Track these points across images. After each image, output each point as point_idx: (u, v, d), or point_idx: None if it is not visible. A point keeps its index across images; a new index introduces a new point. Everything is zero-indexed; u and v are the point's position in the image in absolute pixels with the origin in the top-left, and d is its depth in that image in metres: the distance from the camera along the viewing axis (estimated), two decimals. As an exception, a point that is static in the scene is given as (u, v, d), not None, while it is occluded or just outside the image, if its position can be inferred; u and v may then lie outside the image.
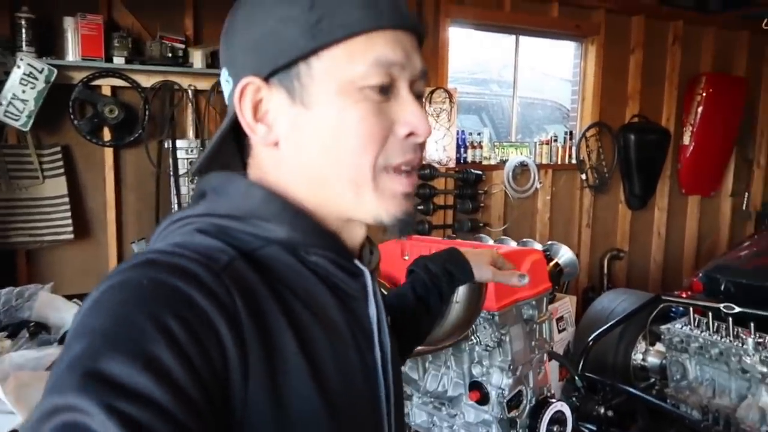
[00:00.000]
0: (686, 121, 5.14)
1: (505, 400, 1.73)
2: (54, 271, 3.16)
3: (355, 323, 0.66)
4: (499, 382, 1.75)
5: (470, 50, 4.86)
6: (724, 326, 2.88)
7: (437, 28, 3.94)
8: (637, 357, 3.42)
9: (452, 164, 4.08)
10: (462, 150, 4.21)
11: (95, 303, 0.51)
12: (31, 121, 2.84)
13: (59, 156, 3.07)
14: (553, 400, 1.78)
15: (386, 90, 0.62)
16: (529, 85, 5.07)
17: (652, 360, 3.37)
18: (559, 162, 4.64)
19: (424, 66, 0.66)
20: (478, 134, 4.37)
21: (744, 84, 5.25)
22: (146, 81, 3.20)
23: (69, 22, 2.94)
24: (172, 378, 0.46)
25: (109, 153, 3.21)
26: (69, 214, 3.09)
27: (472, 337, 1.74)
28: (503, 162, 4.37)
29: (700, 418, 2.86)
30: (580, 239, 4.82)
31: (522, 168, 4.42)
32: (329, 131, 0.62)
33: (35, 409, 0.44)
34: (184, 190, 3.37)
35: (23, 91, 2.77)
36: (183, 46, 3.25)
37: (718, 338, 2.85)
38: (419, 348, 1.20)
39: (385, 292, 0.96)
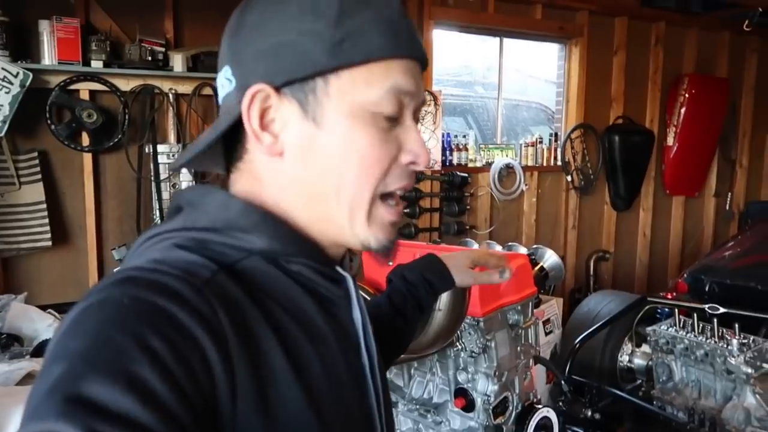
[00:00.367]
0: (670, 122, 5.17)
1: (490, 407, 1.71)
2: (32, 279, 3.09)
3: (340, 330, 0.66)
4: (484, 388, 1.73)
5: (455, 52, 4.85)
6: (709, 327, 2.88)
7: (421, 30, 3.92)
8: (623, 359, 3.42)
9: (438, 167, 4.07)
10: (447, 152, 4.20)
11: (74, 323, 0.49)
12: (6, 127, 2.77)
13: (36, 162, 3.01)
14: (540, 406, 1.77)
15: (395, 118, 0.63)
16: (514, 87, 5.06)
17: (639, 362, 3.37)
18: (545, 164, 4.64)
19: (425, 95, 0.67)
20: (464, 136, 4.36)
21: (726, 85, 5.29)
22: (125, 85, 3.14)
23: (44, 26, 2.88)
24: (157, 399, 0.44)
25: (87, 158, 3.15)
26: (47, 220, 3.02)
27: (458, 344, 1.72)
28: (489, 164, 4.36)
29: (686, 419, 2.87)
30: (566, 241, 4.82)
31: (508, 170, 4.41)
32: (336, 152, 0.62)
33: None
34: (165, 195, 3.32)
35: (-3, 96, 2.71)
36: (163, 49, 3.19)
37: (704, 339, 2.85)
38: (403, 356, 1.17)
39: (368, 298, 0.94)
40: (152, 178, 3.28)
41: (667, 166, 5.23)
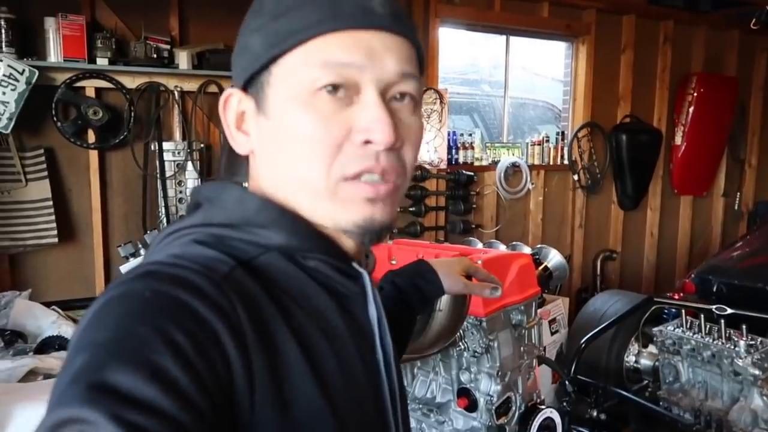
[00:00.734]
0: (678, 121, 5.13)
1: (493, 407, 1.70)
2: (38, 275, 3.11)
3: (355, 326, 0.66)
4: (487, 388, 1.72)
5: (461, 50, 4.83)
6: (716, 328, 2.86)
7: (427, 28, 3.91)
8: (629, 359, 3.40)
9: (444, 165, 4.05)
10: (453, 151, 4.18)
11: (97, 316, 0.50)
12: (12, 124, 2.78)
13: (42, 159, 3.02)
14: (543, 407, 1.76)
15: (341, 93, 0.59)
16: (521, 86, 5.04)
17: (645, 362, 3.35)
18: (551, 163, 4.61)
19: (405, 67, 0.62)
20: (470, 135, 4.34)
21: (735, 83, 5.25)
22: (131, 82, 3.15)
23: (50, 23, 2.89)
24: (178, 388, 0.45)
25: (93, 155, 3.16)
26: (53, 217, 3.03)
27: (460, 343, 1.71)
28: (495, 163, 4.34)
29: (693, 420, 2.84)
30: (572, 240, 4.80)
31: (514, 169, 4.39)
32: (284, 138, 0.61)
33: (39, 426, 0.43)
34: (171, 192, 3.33)
35: (3, 93, 2.72)
36: (168, 46, 3.20)
37: (711, 340, 2.83)
38: (405, 356, 1.17)
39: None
40: (158, 175, 3.29)
41: (675, 166, 5.20)
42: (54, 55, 2.91)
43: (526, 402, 1.76)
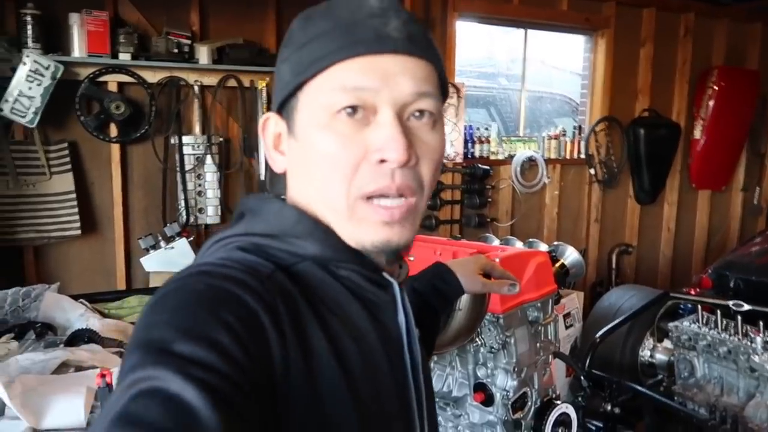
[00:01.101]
0: (697, 115, 5.07)
1: (509, 402, 1.73)
2: (61, 267, 3.18)
3: (385, 333, 0.69)
4: (503, 383, 1.74)
5: (478, 44, 4.81)
6: (732, 324, 2.85)
7: (445, 22, 3.91)
8: (644, 354, 3.40)
9: (460, 159, 4.06)
10: (469, 145, 4.19)
11: (158, 303, 0.56)
12: (38, 118, 2.84)
13: (66, 152, 3.08)
14: (558, 402, 1.78)
15: (359, 115, 0.63)
16: (538, 79, 5.02)
17: (660, 357, 3.35)
18: (568, 157, 4.60)
19: (421, 86, 0.65)
20: (486, 129, 4.34)
21: (757, 77, 5.17)
22: (152, 77, 3.20)
23: (74, 19, 2.94)
24: (232, 355, 0.51)
25: (115, 149, 3.22)
26: (76, 210, 3.10)
27: (477, 339, 1.73)
28: (511, 157, 4.34)
29: (708, 416, 2.84)
30: (588, 234, 4.79)
31: (530, 163, 4.39)
32: (309, 159, 0.66)
33: (116, 387, 0.50)
34: (190, 186, 3.38)
35: (29, 88, 2.77)
36: (189, 41, 3.24)
37: (727, 336, 2.82)
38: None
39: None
40: (178, 169, 3.34)
41: (694, 160, 5.15)
42: (78, 50, 2.96)
43: (541, 397, 1.78)
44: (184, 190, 3.35)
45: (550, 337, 1.84)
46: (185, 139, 3.33)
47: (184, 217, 3.35)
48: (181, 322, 0.53)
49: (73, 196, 3.10)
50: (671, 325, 3.09)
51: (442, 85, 0.70)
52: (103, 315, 1.99)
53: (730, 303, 2.95)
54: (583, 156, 4.64)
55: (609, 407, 2.87)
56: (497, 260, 1.48)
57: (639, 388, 3.02)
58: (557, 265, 1.94)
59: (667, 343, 3.31)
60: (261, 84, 3.41)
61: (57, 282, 2.07)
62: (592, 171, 4.68)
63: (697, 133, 5.08)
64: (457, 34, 4.00)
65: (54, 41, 2.98)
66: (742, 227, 5.59)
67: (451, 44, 3.94)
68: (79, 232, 3.12)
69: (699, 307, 3.05)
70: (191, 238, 3.23)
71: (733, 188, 5.55)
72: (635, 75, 4.79)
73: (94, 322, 1.77)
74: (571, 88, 5.06)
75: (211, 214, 3.44)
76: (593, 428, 2.87)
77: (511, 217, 4.39)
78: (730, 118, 5.05)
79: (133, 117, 3.15)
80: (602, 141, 4.69)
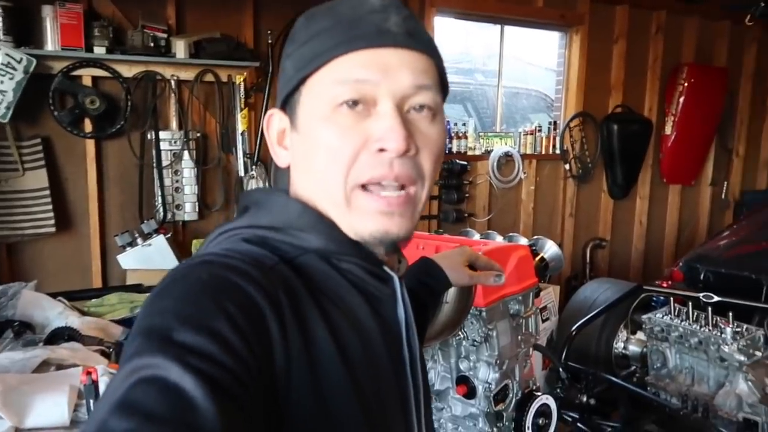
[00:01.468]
0: (668, 110, 5.18)
1: (491, 394, 1.76)
2: (35, 265, 3.12)
3: (385, 326, 0.71)
4: (485, 376, 1.77)
5: (455, 39, 4.84)
6: (703, 315, 2.93)
7: (422, 18, 3.92)
8: (618, 346, 3.48)
9: (437, 155, 4.08)
10: (447, 140, 4.22)
11: (161, 292, 0.57)
12: (10, 113, 2.78)
13: (39, 148, 3.02)
14: (539, 393, 1.82)
15: (360, 107, 0.65)
16: (514, 75, 5.07)
17: (633, 348, 3.43)
18: (543, 152, 4.66)
19: (420, 79, 0.66)
20: (463, 124, 4.38)
21: (725, 74, 5.30)
22: (128, 71, 3.15)
23: (47, 11, 2.88)
24: (232, 346, 0.52)
25: (90, 144, 3.16)
26: (50, 207, 3.04)
27: (460, 332, 1.76)
28: (488, 152, 4.39)
29: (680, 405, 2.93)
30: (563, 229, 4.86)
31: (506, 158, 4.44)
32: (310, 150, 0.68)
33: (116, 376, 0.50)
34: (167, 182, 3.34)
35: (1, 82, 2.71)
36: (165, 35, 3.19)
37: (698, 327, 2.91)
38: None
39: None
40: (154, 164, 3.30)
41: (665, 155, 5.26)
42: (51, 43, 2.90)
43: (522, 389, 1.82)
44: (161, 186, 3.31)
45: (530, 330, 1.88)
46: (162, 134, 3.29)
47: (161, 213, 3.32)
48: (184, 311, 0.54)
49: (47, 192, 3.04)
50: (644, 317, 3.17)
51: (442, 80, 0.71)
52: (83, 313, 1.96)
53: (701, 295, 3.04)
54: (558, 151, 4.71)
55: (585, 398, 2.93)
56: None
57: (614, 379, 3.09)
58: (537, 258, 1.97)
59: (640, 335, 3.39)
60: (239, 79, 3.38)
61: (35, 280, 2.04)
62: (567, 166, 4.76)
63: (668, 129, 5.20)
64: (434, 30, 4.01)
65: (26, 34, 2.91)
66: (711, 221, 5.74)
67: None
68: (53, 229, 3.07)
69: (671, 299, 3.14)
70: (169, 235, 3.19)
71: (702, 183, 5.69)
72: (609, 71, 4.87)
73: (73, 320, 1.75)
74: (546, 84, 5.13)
75: (188, 211, 3.41)
76: (569, 419, 2.93)
77: (488, 212, 4.44)
78: (700, 114, 5.17)
79: (108, 112, 3.09)
80: (577, 136, 4.77)
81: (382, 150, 0.64)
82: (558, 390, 2.35)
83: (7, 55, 2.71)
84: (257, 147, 3.48)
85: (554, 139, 4.70)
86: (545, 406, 1.80)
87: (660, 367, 3.13)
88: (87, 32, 2.97)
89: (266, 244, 0.66)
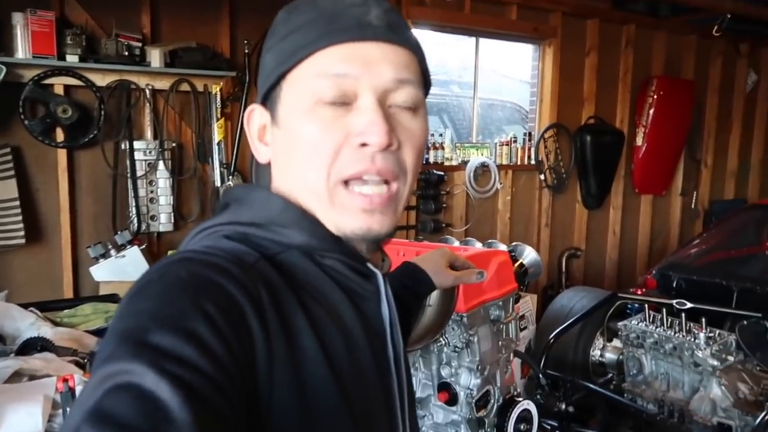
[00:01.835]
0: (639, 122, 5.30)
1: (473, 401, 1.76)
2: (4, 277, 3.03)
3: (368, 323, 0.69)
4: (467, 382, 1.77)
5: (431, 51, 4.88)
6: (677, 322, 2.98)
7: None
8: (595, 353, 3.51)
9: (414, 165, 4.09)
10: (424, 151, 4.23)
11: (139, 291, 0.55)
12: (-21, 122, 2.72)
13: (9, 158, 2.95)
14: (520, 399, 1.82)
15: (341, 101, 0.64)
16: (489, 87, 5.14)
17: (610, 356, 3.47)
18: (519, 163, 4.72)
19: (402, 73, 0.65)
20: (440, 135, 4.41)
21: (692, 87, 5.45)
22: (101, 80, 3.10)
23: (18, 18, 2.83)
24: (210, 349, 0.50)
25: (62, 154, 3.10)
26: (20, 218, 2.97)
27: (441, 339, 1.76)
28: (464, 163, 4.42)
29: (656, 411, 2.96)
30: (539, 238, 4.91)
31: (483, 169, 4.47)
32: (291, 147, 0.66)
33: (89, 381, 0.48)
34: (142, 192, 3.29)
35: (-30, 90, 2.65)
36: (140, 44, 3.16)
37: (672, 333, 2.95)
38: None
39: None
40: (128, 174, 3.25)
41: (636, 166, 5.37)
42: (22, 51, 2.85)
43: (504, 395, 1.82)
44: (136, 196, 3.26)
45: (511, 336, 1.88)
46: (136, 144, 3.25)
47: (136, 224, 3.26)
48: (161, 312, 0.52)
49: (17, 203, 2.96)
50: (620, 324, 3.21)
51: (424, 75, 0.70)
52: (55, 324, 1.91)
53: (674, 302, 3.09)
54: (533, 162, 4.77)
55: (564, 406, 2.95)
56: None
57: (592, 386, 3.11)
58: (516, 264, 1.99)
59: (616, 342, 3.43)
60: (215, 88, 3.36)
61: (5, 290, 1.98)
62: (542, 177, 4.82)
63: (639, 140, 5.31)
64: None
65: (-5, 41, 2.86)
66: (682, 230, 5.86)
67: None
68: (23, 241, 2.99)
69: (645, 306, 3.18)
70: (143, 246, 3.14)
71: (672, 193, 5.81)
72: (581, 83, 4.96)
73: (46, 331, 1.70)
74: (520, 96, 5.20)
75: (163, 222, 3.36)
76: (548, 427, 2.94)
77: (466, 222, 4.47)
78: (669, 125, 5.30)
79: (81, 121, 3.04)
80: (551, 147, 4.83)
81: (363, 145, 0.63)
82: (538, 397, 2.36)
83: (-23, 62, 2.65)
84: (234, 157, 3.45)
85: (529, 149, 4.76)
86: (526, 411, 1.80)
87: (636, 373, 3.17)
88: (59, 40, 2.92)
89: (247, 240, 0.65)
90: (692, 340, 2.87)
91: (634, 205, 5.53)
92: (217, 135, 3.40)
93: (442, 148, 4.34)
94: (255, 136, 0.72)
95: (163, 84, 3.27)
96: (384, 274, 0.73)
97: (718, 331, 2.91)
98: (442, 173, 4.22)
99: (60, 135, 3.07)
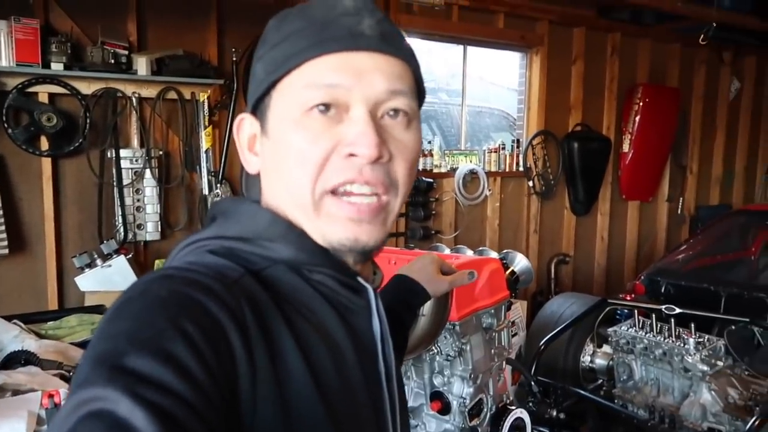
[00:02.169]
0: (625, 129, 5.35)
1: (466, 410, 1.74)
2: (-13, 288, 2.98)
3: (358, 339, 0.68)
4: (460, 391, 1.76)
5: (419, 59, 4.89)
6: (666, 327, 2.99)
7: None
8: (585, 359, 3.52)
9: (403, 172, 4.09)
10: (417, 163, 4.23)
11: (118, 310, 0.54)
12: (-39, 130, 2.67)
13: (-8, 166, 2.90)
14: (513, 407, 1.81)
15: (332, 112, 0.62)
16: (477, 94, 5.15)
17: (600, 362, 3.47)
18: (507, 169, 4.73)
19: (394, 84, 0.64)
20: (429, 142, 4.41)
21: (677, 94, 5.51)
22: (87, 88, 3.07)
23: (2, 26, 2.79)
24: (189, 373, 0.48)
25: (47, 163, 3.06)
26: (3, 227, 2.91)
27: (434, 348, 1.74)
28: (453, 170, 4.43)
29: (647, 416, 2.97)
30: (528, 245, 4.92)
31: (472, 176, 4.48)
32: (280, 157, 0.65)
33: (63, 406, 0.47)
34: (128, 201, 3.25)
35: (-48, 98, 2.60)
36: (126, 52, 3.13)
37: (662, 339, 2.96)
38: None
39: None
40: (114, 183, 3.21)
41: (623, 172, 5.41)
42: (5, 59, 2.81)
43: (497, 403, 1.81)
44: (122, 205, 3.22)
45: (503, 344, 1.87)
46: (123, 152, 3.21)
47: (122, 233, 3.22)
48: (138, 333, 0.50)
49: (0, 213, 2.91)
50: (610, 330, 3.21)
51: (418, 86, 0.69)
52: (40, 336, 1.87)
53: (663, 307, 3.11)
54: (521, 169, 4.78)
55: (555, 413, 2.94)
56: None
57: (583, 392, 3.11)
58: (508, 272, 1.98)
59: (606, 348, 3.44)
60: (202, 96, 3.34)
61: (-13, 303, 1.94)
62: (531, 183, 4.84)
63: (626, 147, 5.35)
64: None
65: (-22, 49, 2.81)
66: (669, 235, 5.91)
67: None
68: (6, 251, 2.93)
69: (635, 312, 3.20)
70: (130, 256, 3.09)
71: (659, 199, 5.86)
72: (568, 90, 5.00)
73: (30, 344, 1.66)
74: (508, 103, 5.23)
75: (150, 230, 3.31)
76: (539, 434, 2.93)
77: (455, 229, 4.46)
78: (655, 132, 5.35)
79: (65, 129, 3.00)
80: (539, 154, 4.86)
81: (352, 155, 0.62)
82: (530, 404, 2.35)
83: (-41, 70, 2.61)
84: (222, 165, 3.42)
85: (517, 156, 4.78)
86: (519, 420, 1.79)
87: (626, 379, 3.17)
88: (44, 48, 2.88)
89: (233, 255, 0.63)
90: (682, 345, 2.88)
91: (621, 211, 5.57)
92: (204, 143, 3.37)
93: (431, 155, 4.34)
94: (245, 146, 0.71)
95: (149, 92, 3.24)
96: (375, 289, 0.71)
97: (707, 337, 2.92)
98: (431, 180, 4.22)
99: (44, 143, 3.02)
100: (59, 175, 3.13)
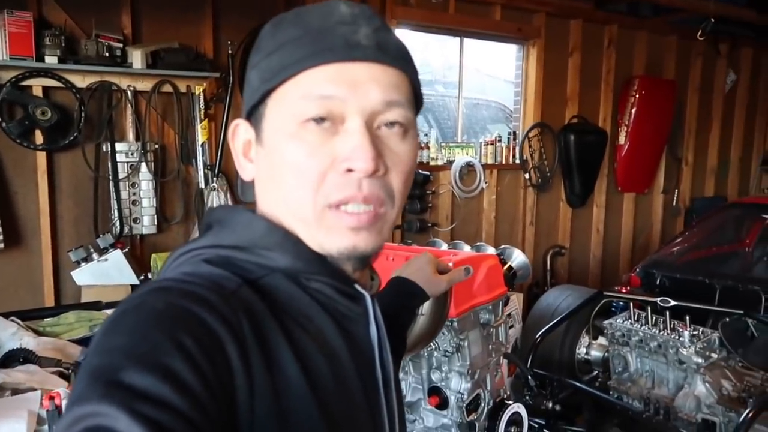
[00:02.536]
0: (621, 121, 5.35)
1: (464, 404, 1.75)
2: (-18, 283, 2.97)
3: (355, 346, 0.68)
4: (458, 386, 1.77)
5: (415, 51, 4.88)
6: (661, 319, 3.01)
7: (383, 29, 3.93)
8: (581, 351, 3.54)
9: (400, 165, 4.09)
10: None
11: (114, 323, 0.53)
12: (-45, 124, 2.65)
13: (-14, 161, 2.88)
14: (510, 402, 1.82)
15: (327, 124, 0.62)
16: (473, 86, 5.14)
17: (596, 354, 3.49)
18: (504, 162, 4.73)
19: (391, 95, 0.63)
20: (425, 135, 4.40)
21: (673, 86, 5.52)
22: (81, 81, 3.05)
23: (-5, 19, 2.77)
24: (187, 387, 0.48)
25: (41, 157, 3.04)
26: (-2, 222, 2.91)
27: (432, 344, 1.75)
28: (450, 162, 4.42)
29: (642, 408, 2.99)
30: (524, 237, 4.94)
31: (468, 168, 4.48)
32: (275, 167, 0.65)
33: (60, 422, 0.47)
34: (124, 194, 3.23)
35: (-55, 92, 2.58)
36: (121, 45, 3.11)
37: (657, 331, 2.98)
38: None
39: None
40: (110, 177, 3.19)
41: (619, 164, 5.42)
42: (-1, 52, 2.79)
43: (494, 398, 1.82)
44: (118, 199, 3.21)
45: (501, 339, 1.88)
46: (118, 146, 3.19)
47: (118, 227, 3.21)
48: (135, 348, 0.50)
49: (-5, 207, 2.90)
50: (606, 322, 3.23)
51: (416, 95, 0.68)
52: (38, 333, 1.86)
53: (658, 300, 3.13)
54: (518, 161, 4.79)
55: (551, 404, 2.96)
56: (450, 264, 1.50)
57: (579, 384, 3.14)
58: (505, 267, 1.99)
59: (601, 340, 3.46)
60: (198, 89, 3.32)
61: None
62: (527, 176, 4.84)
63: (622, 139, 5.36)
64: (395, 42, 4.03)
65: (-28, 42, 2.79)
66: (664, 227, 5.93)
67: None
68: (1, 246, 2.93)
69: (630, 304, 3.21)
70: (126, 249, 3.09)
71: (654, 191, 5.88)
72: (564, 83, 4.99)
73: (28, 341, 1.66)
74: (505, 96, 5.21)
75: (147, 224, 3.31)
76: (535, 426, 2.95)
77: (451, 221, 4.47)
78: (651, 124, 5.36)
79: (60, 123, 2.98)
80: (535, 146, 4.86)
81: (349, 170, 0.61)
82: (527, 397, 2.36)
83: (-48, 63, 2.59)
84: (218, 158, 3.41)
85: (514, 149, 4.78)
86: (517, 414, 1.80)
87: (622, 371, 3.20)
88: (37, 41, 2.86)
89: (230, 264, 0.62)
90: (676, 337, 2.91)
91: (617, 203, 5.59)
92: (200, 136, 3.35)
93: (428, 148, 4.34)
94: (240, 152, 0.70)
95: (145, 85, 3.22)
96: (372, 295, 0.71)
97: (701, 329, 2.94)
98: (428, 173, 4.22)
99: (39, 137, 3.01)
100: (54, 169, 3.11)
